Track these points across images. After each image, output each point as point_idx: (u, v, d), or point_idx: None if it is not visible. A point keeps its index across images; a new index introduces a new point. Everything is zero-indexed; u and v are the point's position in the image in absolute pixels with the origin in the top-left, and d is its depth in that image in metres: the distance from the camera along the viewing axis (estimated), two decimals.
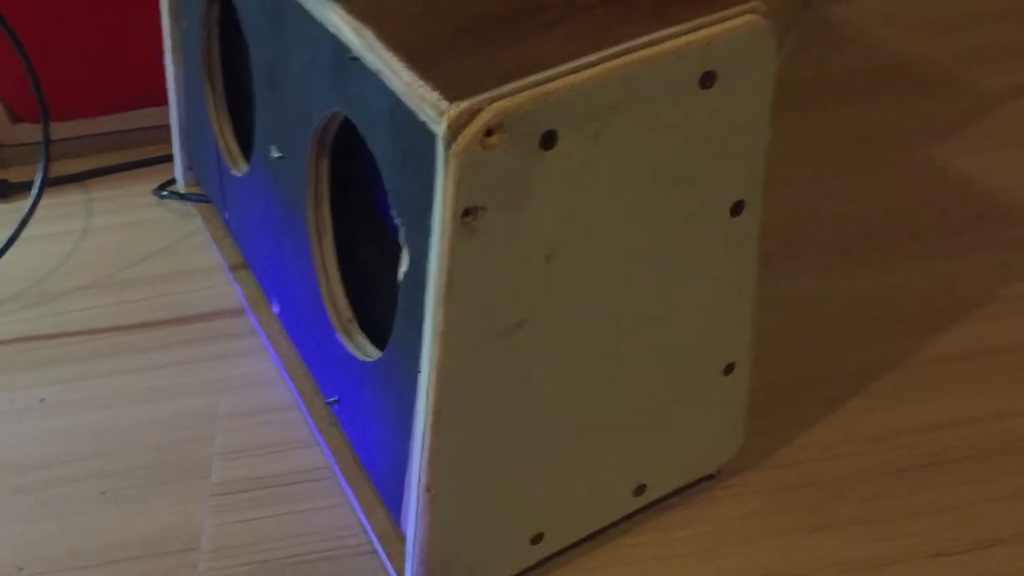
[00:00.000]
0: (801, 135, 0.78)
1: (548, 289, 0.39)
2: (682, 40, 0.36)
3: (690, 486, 0.53)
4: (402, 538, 0.48)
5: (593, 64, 0.36)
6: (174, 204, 0.77)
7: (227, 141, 0.64)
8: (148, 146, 0.84)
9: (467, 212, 0.36)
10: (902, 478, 0.53)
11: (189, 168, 0.75)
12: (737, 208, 0.42)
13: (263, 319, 0.64)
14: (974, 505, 0.51)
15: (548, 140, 0.36)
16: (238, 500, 0.55)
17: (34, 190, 0.69)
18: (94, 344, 0.66)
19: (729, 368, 0.48)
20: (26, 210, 0.69)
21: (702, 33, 0.37)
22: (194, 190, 0.75)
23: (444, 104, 0.34)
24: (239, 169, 0.63)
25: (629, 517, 0.51)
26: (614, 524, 0.51)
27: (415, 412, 0.42)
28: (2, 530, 0.55)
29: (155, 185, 0.79)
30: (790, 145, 0.77)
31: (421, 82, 0.36)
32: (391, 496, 0.48)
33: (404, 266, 0.41)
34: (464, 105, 0.34)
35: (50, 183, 0.81)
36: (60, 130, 0.83)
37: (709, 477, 0.53)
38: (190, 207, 0.76)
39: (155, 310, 0.69)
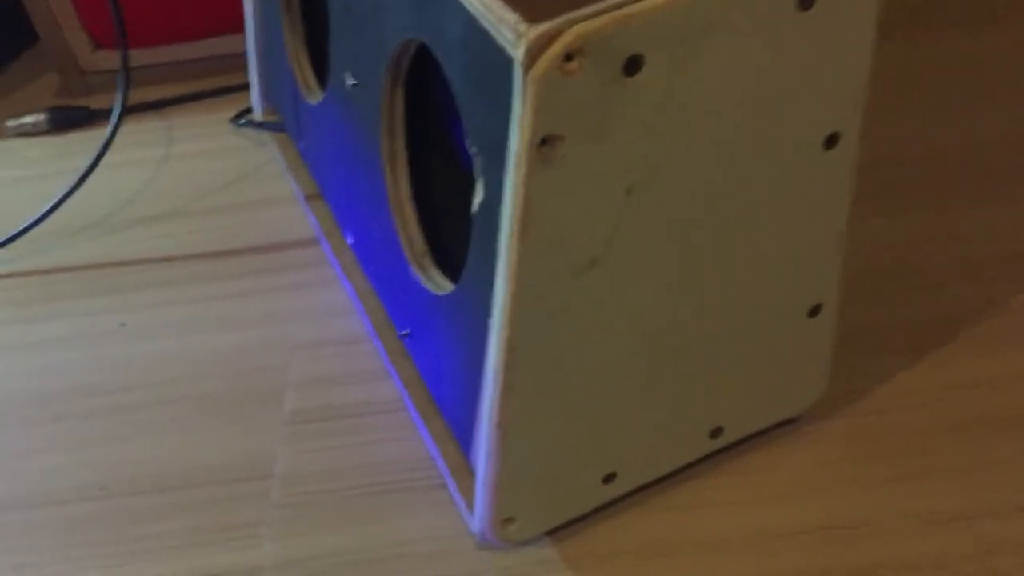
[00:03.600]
0: (900, 65, 0.74)
1: (628, 223, 0.38)
2: None
3: (769, 430, 0.51)
4: (472, 473, 0.48)
5: None
6: (251, 133, 0.77)
7: (303, 69, 0.64)
8: (226, 74, 0.84)
9: (544, 141, 0.34)
10: (991, 428, 0.51)
11: (266, 97, 0.74)
12: (831, 141, 0.40)
13: (337, 249, 0.63)
14: None
15: (632, 65, 0.34)
16: (310, 430, 0.56)
17: (113, 117, 0.70)
18: (172, 271, 0.67)
19: (815, 310, 0.46)
20: (106, 137, 0.70)
21: None
22: (271, 119, 0.75)
23: (523, 27, 0.33)
24: (315, 98, 0.62)
25: (705, 459, 0.50)
26: (689, 465, 0.50)
27: (488, 347, 0.41)
28: (84, 451, 0.56)
29: (232, 113, 0.78)
30: (886, 75, 0.73)
31: (499, 2, 0.34)
32: (462, 431, 0.48)
33: (479, 198, 0.40)
34: (543, 28, 0.32)
35: (129, 110, 0.81)
36: (139, 57, 0.83)
37: (790, 421, 0.51)
38: (266, 136, 0.75)
39: (231, 239, 0.69)
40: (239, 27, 0.76)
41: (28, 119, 0.81)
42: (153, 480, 0.54)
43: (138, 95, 0.83)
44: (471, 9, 0.36)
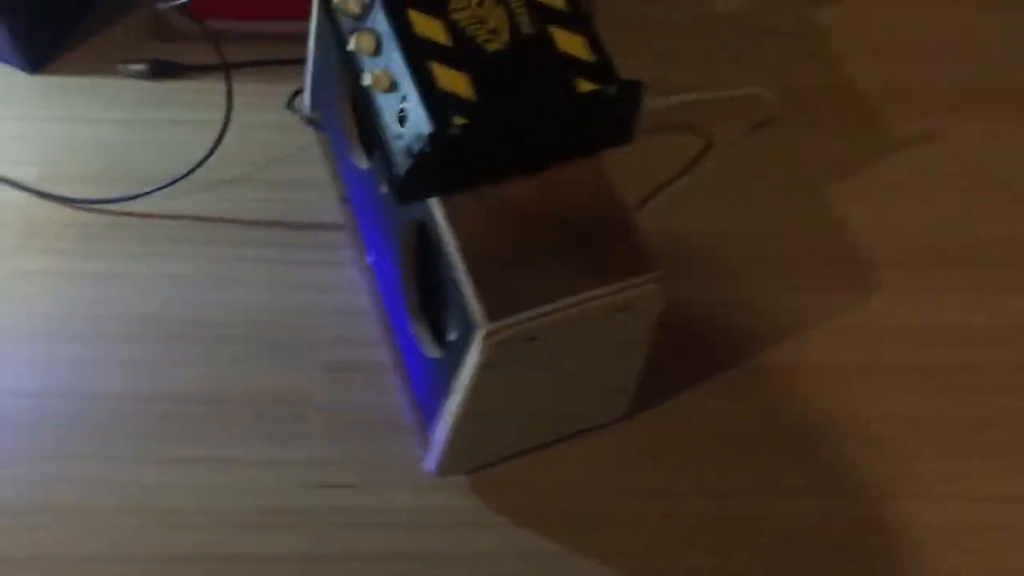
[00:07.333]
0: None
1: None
2: (619, 297, 0.70)
3: (593, 429, 0.92)
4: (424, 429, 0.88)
5: (563, 309, 0.70)
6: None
7: (350, 132, 0.94)
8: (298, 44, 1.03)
9: (485, 364, 0.71)
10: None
11: (314, 103, 1.04)
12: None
13: (359, 249, 0.98)
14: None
15: (531, 339, 0.71)
16: (339, 376, 0.94)
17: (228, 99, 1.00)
18: (247, 232, 1.01)
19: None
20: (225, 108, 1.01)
21: (627, 294, 0.70)
22: (316, 118, 1.05)
23: (483, 320, 0.69)
24: (356, 160, 0.94)
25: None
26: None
27: (449, 405, 0.80)
28: (183, 369, 0.94)
29: (293, 88, 1.06)
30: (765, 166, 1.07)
31: (473, 289, 0.69)
32: (427, 414, 0.88)
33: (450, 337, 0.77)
34: (497, 327, 0.69)
35: (206, 69, 1.09)
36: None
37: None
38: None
39: (288, 212, 1.02)
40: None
41: (135, 67, 1.09)
42: (233, 395, 0.93)
43: (211, 53, 1.08)
44: (456, 274, 0.71)
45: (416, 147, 0.69)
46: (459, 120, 0.68)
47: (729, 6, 1.17)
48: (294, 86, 1.07)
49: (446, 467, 0.86)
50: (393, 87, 0.71)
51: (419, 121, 0.69)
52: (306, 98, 1.05)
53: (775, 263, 1.02)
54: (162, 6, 0.84)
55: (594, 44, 0.71)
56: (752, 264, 1.02)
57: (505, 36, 0.71)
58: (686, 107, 1.05)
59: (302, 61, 1.02)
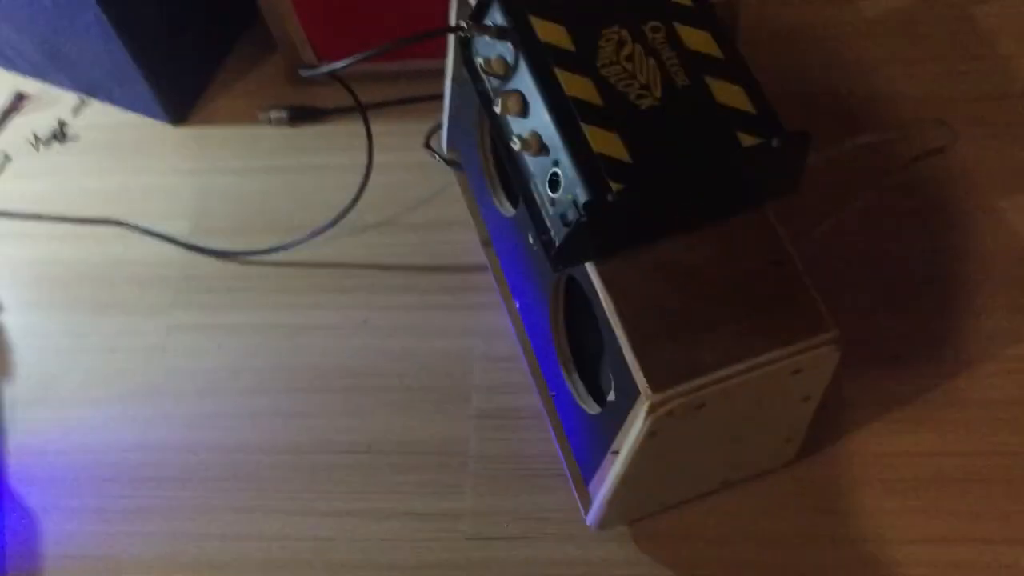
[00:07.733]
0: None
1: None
2: (793, 361, 0.66)
3: (759, 475, 0.88)
4: (582, 480, 0.86)
5: (732, 376, 0.66)
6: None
7: (494, 184, 0.93)
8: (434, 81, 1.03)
9: (652, 434, 0.69)
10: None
11: (451, 144, 1.03)
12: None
13: (504, 294, 0.97)
14: None
15: (700, 407, 0.68)
16: (491, 424, 0.93)
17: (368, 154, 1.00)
18: (390, 278, 1.01)
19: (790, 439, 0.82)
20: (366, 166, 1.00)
21: (802, 358, 0.66)
22: (453, 158, 1.04)
23: (649, 394, 0.66)
24: (500, 206, 0.93)
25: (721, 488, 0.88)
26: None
27: (612, 462, 0.78)
28: (337, 420, 0.94)
29: (429, 124, 1.05)
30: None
31: (636, 362, 0.67)
32: (582, 461, 0.86)
33: (612, 398, 0.75)
34: (658, 398, 0.66)
35: (343, 111, 1.09)
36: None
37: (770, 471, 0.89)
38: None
39: (431, 255, 1.01)
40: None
41: (274, 114, 1.10)
42: (387, 445, 0.93)
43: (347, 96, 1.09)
44: (617, 338, 0.68)
45: (571, 215, 0.66)
46: (615, 185, 0.65)
47: (879, 10, 1.10)
48: (430, 123, 1.06)
49: (607, 520, 0.84)
50: (543, 150, 0.69)
51: (573, 187, 0.66)
52: (444, 138, 1.04)
53: (947, 290, 0.95)
54: (306, 74, 0.82)
55: (754, 93, 0.67)
56: (922, 292, 0.95)
57: (658, 91, 0.68)
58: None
59: (437, 98, 1.00)
